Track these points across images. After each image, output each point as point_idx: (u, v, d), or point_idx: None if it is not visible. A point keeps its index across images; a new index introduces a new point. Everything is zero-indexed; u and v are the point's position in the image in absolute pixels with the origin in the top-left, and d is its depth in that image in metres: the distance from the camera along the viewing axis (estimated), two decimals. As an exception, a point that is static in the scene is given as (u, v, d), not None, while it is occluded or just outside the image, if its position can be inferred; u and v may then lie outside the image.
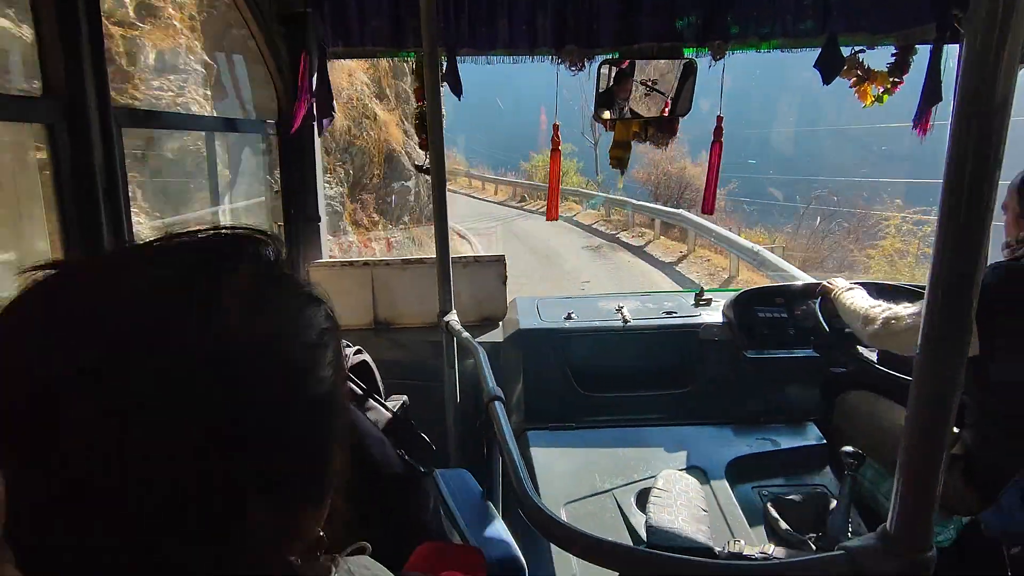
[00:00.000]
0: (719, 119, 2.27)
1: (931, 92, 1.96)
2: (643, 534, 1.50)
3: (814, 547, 1.52)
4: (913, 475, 0.65)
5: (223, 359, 0.36)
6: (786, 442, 1.86)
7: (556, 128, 2.25)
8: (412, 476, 1.06)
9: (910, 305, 1.62)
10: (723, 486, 1.66)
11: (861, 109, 2.13)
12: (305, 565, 0.43)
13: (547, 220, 2.47)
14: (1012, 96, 0.55)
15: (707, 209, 2.35)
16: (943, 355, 0.60)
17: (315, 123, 2.09)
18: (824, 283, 2.01)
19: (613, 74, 2.15)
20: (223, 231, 0.44)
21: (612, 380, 2.01)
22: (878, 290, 2.11)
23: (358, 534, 0.52)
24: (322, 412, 0.42)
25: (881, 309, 1.68)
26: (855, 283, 2.03)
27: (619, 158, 2.19)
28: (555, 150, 2.27)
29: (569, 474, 1.69)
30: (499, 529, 1.27)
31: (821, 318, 1.97)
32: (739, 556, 1.29)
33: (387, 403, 1.33)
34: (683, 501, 1.33)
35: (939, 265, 0.58)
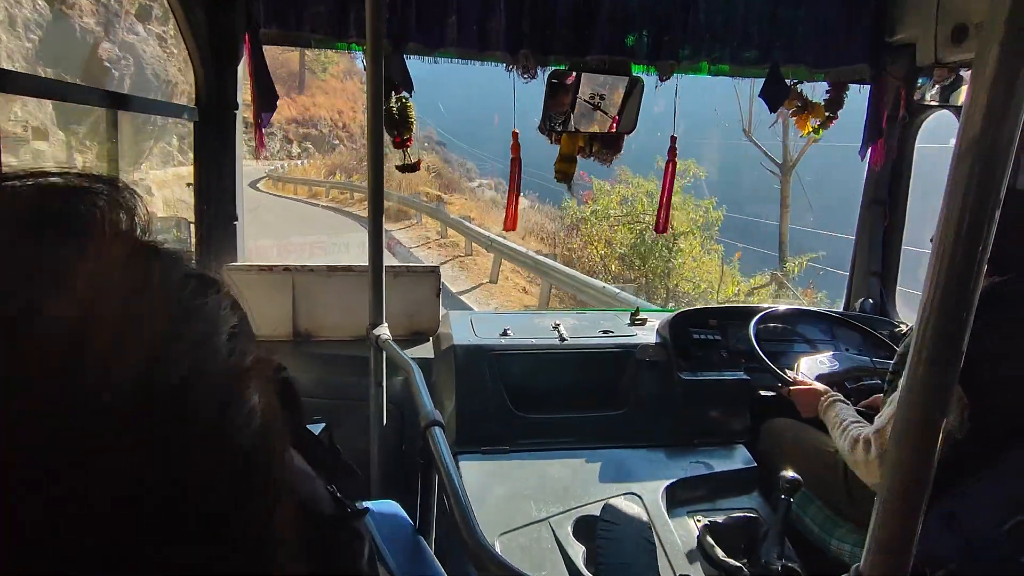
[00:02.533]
0: (672, 139, 2.29)
1: (873, 128, 2.06)
2: (580, 566, 1.43)
3: (748, 573, 1.51)
4: (893, 517, 0.63)
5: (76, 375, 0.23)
6: (718, 465, 1.86)
7: (515, 136, 2.17)
8: (344, 517, 0.93)
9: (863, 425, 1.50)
10: (660, 512, 1.62)
11: (800, 137, 2.21)
12: None
13: (505, 230, 2.38)
14: (1016, 138, 0.53)
15: (660, 229, 2.36)
16: (931, 392, 0.59)
17: (234, 111, 1.90)
18: (797, 385, 1.82)
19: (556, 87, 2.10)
20: (49, 178, 0.29)
21: (548, 401, 1.94)
22: (785, 318, 2.19)
23: None
24: (256, 461, 0.28)
25: (877, 446, 1.44)
26: (777, 312, 2.07)
27: (564, 172, 2.14)
28: (514, 159, 2.19)
29: (503, 502, 1.59)
30: (434, 569, 1.15)
31: (755, 343, 2.00)
32: None
33: (308, 428, 1.19)
34: (631, 532, 1.28)
35: (930, 302, 0.56)
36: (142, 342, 0.25)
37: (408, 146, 2.03)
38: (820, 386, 1.76)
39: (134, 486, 0.23)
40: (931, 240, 1.51)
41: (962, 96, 2.05)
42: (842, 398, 1.69)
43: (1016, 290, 1.45)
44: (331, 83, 30.85)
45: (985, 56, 0.52)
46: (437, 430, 1.11)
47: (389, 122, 1.97)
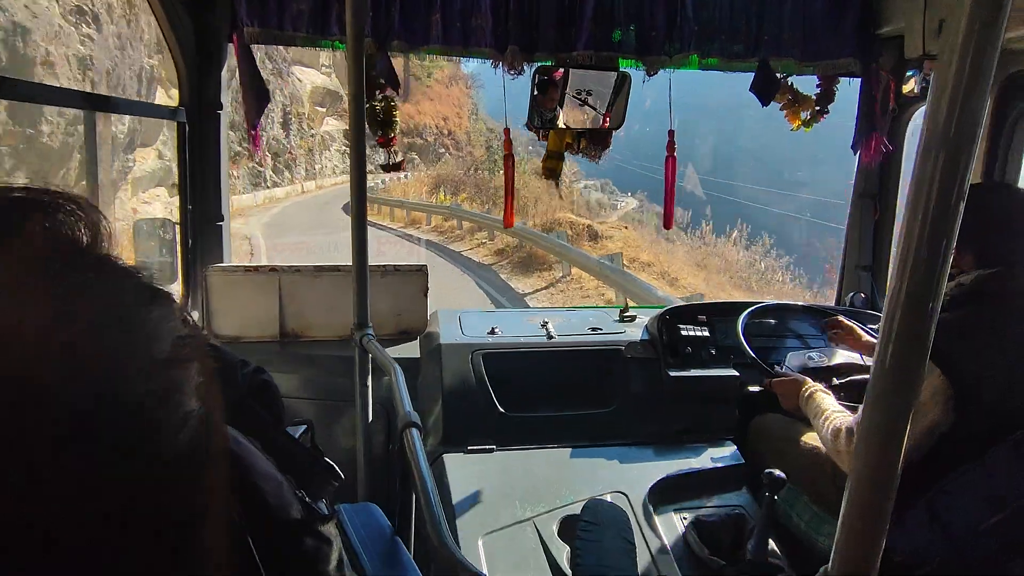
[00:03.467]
0: (670, 134, 2.27)
1: (866, 122, 2.04)
2: (564, 566, 1.43)
3: (734, 571, 1.51)
4: (859, 517, 0.63)
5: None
6: (706, 462, 1.85)
7: (507, 132, 2.16)
8: (312, 522, 0.93)
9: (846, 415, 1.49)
10: (645, 509, 1.62)
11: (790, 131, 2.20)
12: None
13: (505, 227, 2.37)
14: (979, 131, 0.54)
15: (666, 225, 2.34)
16: (897, 391, 0.59)
17: (219, 111, 1.89)
18: (781, 377, 1.82)
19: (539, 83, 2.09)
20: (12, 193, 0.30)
21: (536, 399, 1.94)
22: (789, 314, 2.19)
23: None
24: (186, 472, 0.28)
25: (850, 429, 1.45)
26: (768, 306, 2.07)
27: (552, 169, 2.13)
28: (507, 156, 2.17)
29: (488, 502, 1.59)
30: (408, 571, 1.15)
31: (742, 338, 1.99)
32: None
33: (289, 430, 1.19)
34: (611, 534, 1.27)
35: (897, 294, 0.56)
36: (72, 350, 0.25)
37: (393, 146, 2.02)
38: (802, 377, 1.75)
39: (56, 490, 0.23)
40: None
41: None
42: (823, 388, 1.67)
43: (1002, 285, 1.44)
44: (436, 89, 30.00)
45: (947, 51, 0.52)
46: (414, 432, 1.11)
47: (372, 121, 1.95)
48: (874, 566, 0.64)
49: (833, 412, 1.54)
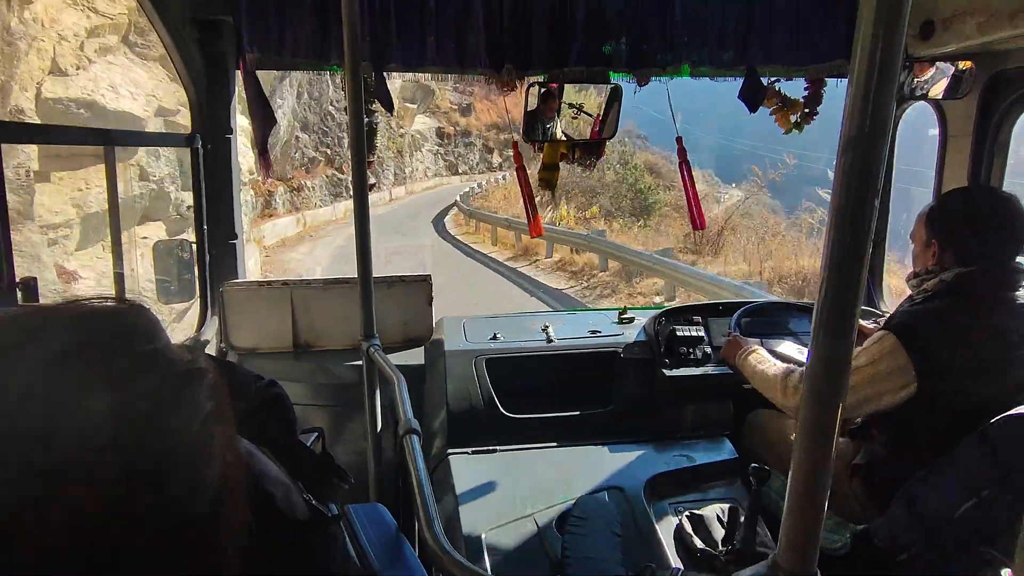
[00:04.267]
0: (679, 140, 2.33)
1: None
2: (561, 559, 1.52)
3: (723, 560, 1.58)
4: (799, 507, 0.67)
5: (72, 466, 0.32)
6: (702, 458, 1.92)
7: (515, 145, 2.22)
8: (318, 522, 1.03)
9: None
10: (641, 505, 1.70)
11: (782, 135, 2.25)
12: None
13: (532, 236, 2.40)
14: (889, 131, 0.58)
15: (700, 225, 2.42)
16: (827, 387, 0.62)
17: (230, 136, 2.00)
18: (725, 346, 2.01)
19: (538, 94, 2.16)
20: (92, 304, 0.40)
21: (536, 401, 2.03)
22: (776, 312, 2.24)
23: None
24: (209, 516, 0.38)
25: (795, 375, 1.65)
26: (755, 305, 2.14)
27: (547, 180, 2.21)
28: (519, 168, 2.23)
29: (491, 500, 1.69)
30: (413, 567, 1.25)
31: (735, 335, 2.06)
32: None
33: (301, 436, 1.28)
34: (599, 526, 1.36)
35: (824, 287, 0.60)
36: (132, 432, 0.35)
37: (370, 167, 2.10)
38: (745, 340, 1.94)
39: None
40: (910, 237, 1.56)
41: (936, 88, 2.08)
42: (762, 348, 1.88)
43: (979, 282, 1.51)
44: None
45: (858, 57, 0.56)
46: (413, 438, 1.20)
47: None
48: (812, 551, 0.68)
49: (774, 362, 1.77)
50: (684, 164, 2.32)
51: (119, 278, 1.83)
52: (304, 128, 17.23)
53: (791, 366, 1.72)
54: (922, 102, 2.23)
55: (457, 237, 15.66)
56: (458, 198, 18.44)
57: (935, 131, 2.28)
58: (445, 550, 0.89)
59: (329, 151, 18.87)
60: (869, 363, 1.50)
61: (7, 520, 0.31)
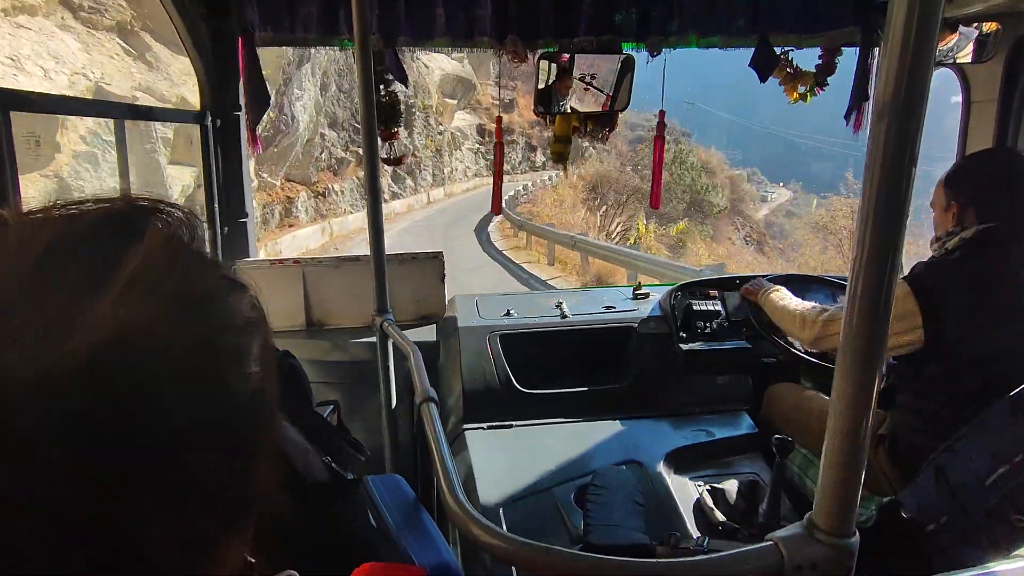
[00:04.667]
0: (661, 114, 2.30)
1: (860, 92, 2.05)
2: (580, 531, 1.50)
3: (747, 533, 1.56)
4: (836, 465, 0.66)
5: (125, 342, 0.30)
6: (721, 432, 1.90)
7: (499, 120, 2.22)
8: (337, 484, 1.01)
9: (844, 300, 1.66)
10: (661, 478, 1.68)
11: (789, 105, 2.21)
12: None
13: (492, 213, 2.43)
14: (927, 97, 0.56)
15: (655, 204, 2.38)
16: (864, 349, 0.61)
17: (238, 113, 1.98)
18: (747, 285, 2.05)
19: (554, 71, 2.13)
20: (127, 200, 0.39)
21: (551, 377, 2.01)
22: (801, 284, 2.20)
23: (282, 550, 0.47)
24: (246, 416, 0.37)
25: (817, 310, 1.70)
26: (778, 277, 2.10)
27: (560, 153, 2.18)
28: (497, 143, 2.24)
29: (508, 474, 1.67)
30: (433, 535, 1.23)
31: (750, 312, 2.02)
32: (676, 548, 1.31)
33: (317, 409, 1.27)
34: (620, 497, 1.34)
35: (860, 259, 0.59)
36: (177, 323, 0.34)
37: (395, 139, 2.09)
38: (766, 283, 1.99)
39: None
40: (930, 205, 1.54)
41: (963, 54, 2.02)
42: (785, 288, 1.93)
43: (999, 236, 1.51)
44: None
45: (893, 23, 0.55)
46: (431, 406, 1.18)
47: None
48: (851, 510, 0.67)
49: (799, 301, 1.82)
50: (659, 139, 2.30)
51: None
52: (332, 125, 15.63)
53: (818, 305, 1.75)
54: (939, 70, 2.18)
55: (505, 252, 13.61)
56: (503, 204, 17.30)
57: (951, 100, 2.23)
58: (468, 512, 0.87)
59: (361, 150, 17.54)
60: None
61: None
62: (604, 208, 17.09)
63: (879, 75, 0.57)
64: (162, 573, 0.32)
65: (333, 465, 1.02)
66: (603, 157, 20.94)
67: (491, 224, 15.67)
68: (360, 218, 15.03)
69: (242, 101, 2.04)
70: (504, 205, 14.74)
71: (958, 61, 2.08)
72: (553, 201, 16.96)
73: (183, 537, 0.33)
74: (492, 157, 2.32)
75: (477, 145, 23.15)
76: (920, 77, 0.55)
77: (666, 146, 2.27)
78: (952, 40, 2.07)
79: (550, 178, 19.92)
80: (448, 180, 21.29)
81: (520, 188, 18.18)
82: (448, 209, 18.14)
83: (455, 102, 21.49)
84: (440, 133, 20.59)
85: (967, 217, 1.54)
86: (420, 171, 19.30)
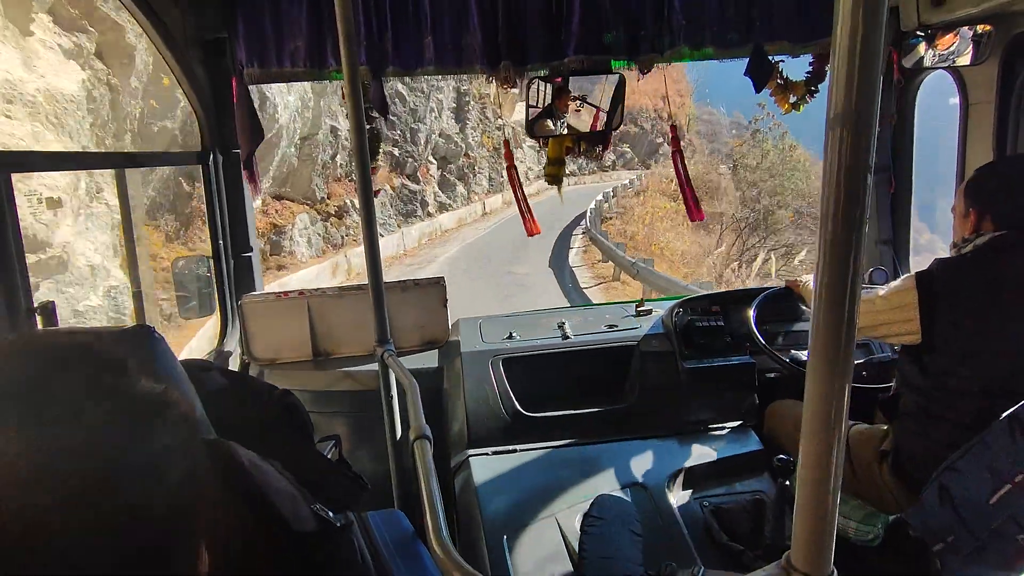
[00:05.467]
0: (672, 128, 2.29)
1: None
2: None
3: (752, 555, 1.55)
4: (809, 503, 0.65)
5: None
6: (725, 450, 1.88)
7: (506, 144, 2.23)
8: (324, 532, 1.03)
9: (877, 287, 1.70)
10: (665, 501, 1.67)
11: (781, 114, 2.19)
12: None
13: (528, 236, 2.40)
14: (878, 105, 0.56)
15: (696, 216, 2.33)
16: (829, 368, 0.60)
17: (237, 151, 2.03)
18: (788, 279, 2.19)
19: (549, 91, 2.14)
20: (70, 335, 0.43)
21: (554, 399, 2.01)
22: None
23: None
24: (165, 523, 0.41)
25: (865, 292, 1.72)
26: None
27: (554, 175, 2.19)
28: (510, 167, 2.25)
29: (512, 500, 1.68)
30: (430, 571, 1.25)
31: (753, 326, 2.01)
32: None
33: (318, 446, 1.29)
34: (616, 527, 1.34)
35: (822, 266, 0.59)
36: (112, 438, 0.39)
37: (373, 172, 2.11)
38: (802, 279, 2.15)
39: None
40: (951, 210, 1.56)
41: (963, 58, 1.99)
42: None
43: (1010, 242, 1.51)
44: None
45: (840, 30, 0.54)
46: (425, 444, 1.19)
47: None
48: (827, 548, 0.65)
49: None
50: (677, 153, 2.27)
51: (137, 297, 1.87)
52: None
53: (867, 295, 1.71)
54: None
55: (591, 284, 9.61)
56: (587, 218, 11.91)
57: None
58: (454, 559, 0.89)
59: (397, 151, 13.21)
60: (886, 296, 1.61)
61: None
62: (720, 229, 13.04)
63: (830, 86, 0.57)
64: None
65: (322, 512, 1.03)
66: (689, 154, 17.45)
67: (572, 247, 11.56)
68: (393, 242, 12.02)
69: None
70: (588, 220, 12.34)
71: (958, 64, 2.05)
72: (645, 215, 13.34)
73: None
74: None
75: (537, 145, 20.83)
76: (869, 87, 0.55)
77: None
78: (953, 44, 2.05)
79: (630, 181, 16.03)
80: (507, 186, 16.02)
81: (600, 197, 14.28)
82: (508, 223, 14.18)
83: (518, 91, 20.01)
84: (498, 128, 17.11)
85: (984, 225, 1.56)
86: (474, 175, 15.96)
